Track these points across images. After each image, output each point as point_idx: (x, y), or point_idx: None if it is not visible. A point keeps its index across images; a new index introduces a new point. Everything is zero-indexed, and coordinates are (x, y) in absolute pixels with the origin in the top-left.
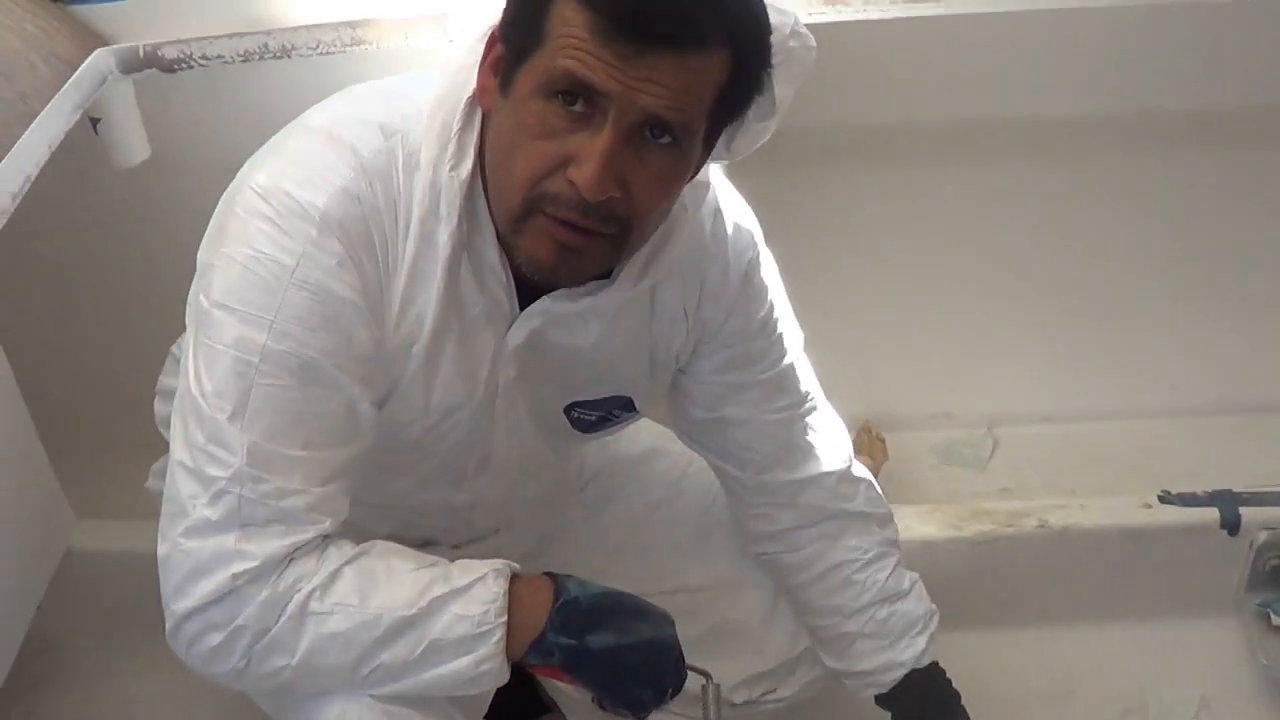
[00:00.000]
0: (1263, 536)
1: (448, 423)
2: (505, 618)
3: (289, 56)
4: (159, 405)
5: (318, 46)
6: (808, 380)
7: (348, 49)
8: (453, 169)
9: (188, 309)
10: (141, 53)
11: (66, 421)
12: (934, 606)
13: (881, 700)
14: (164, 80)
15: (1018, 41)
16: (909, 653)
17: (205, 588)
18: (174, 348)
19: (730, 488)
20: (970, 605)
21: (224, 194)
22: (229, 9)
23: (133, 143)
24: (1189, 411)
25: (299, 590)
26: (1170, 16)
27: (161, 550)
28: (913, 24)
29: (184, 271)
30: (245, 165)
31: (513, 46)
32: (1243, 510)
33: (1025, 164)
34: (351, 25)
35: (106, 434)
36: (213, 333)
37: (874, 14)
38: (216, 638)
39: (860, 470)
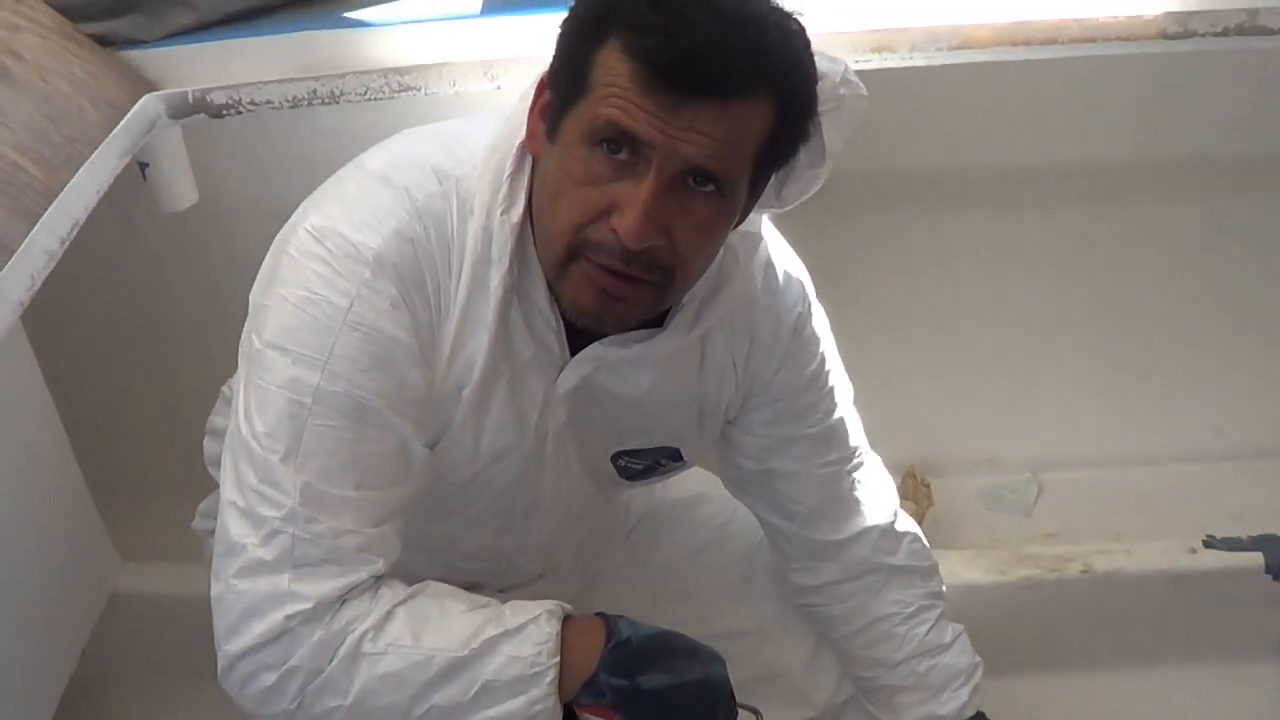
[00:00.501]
0: None
1: (496, 467)
2: (558, 658)
3: (337, 102)
4: (209, 444)
5: (366, 92)
6: (856, 434)
7: (396, 95)
8: (504, 213)
9: (240, 349)
10: (190, 98)
11: (113, 464)
12: (978, 659)
13: None
14: (212, 125)
15: (1062, 88)
16: (950, 706)
17: (259, 628)
18: (225, 388)
19: (774, 539)
20: (1015, 650)
21: (278, 235)
22: (278, 55)
23: (181, 188)
24: (1233, 455)
25: (352, 631)
26: (1212, 63)
27: (215, 590)
28: (959, 70)
29: (231, 315)
30: (300, 207)
31: (560, 93)
32: None
33: (1069, 209)
34: (399, 72)
35: (153, 476)
36: (265, 373)
37: (920, 61)
38: (270, 678)
39: (905, 523)
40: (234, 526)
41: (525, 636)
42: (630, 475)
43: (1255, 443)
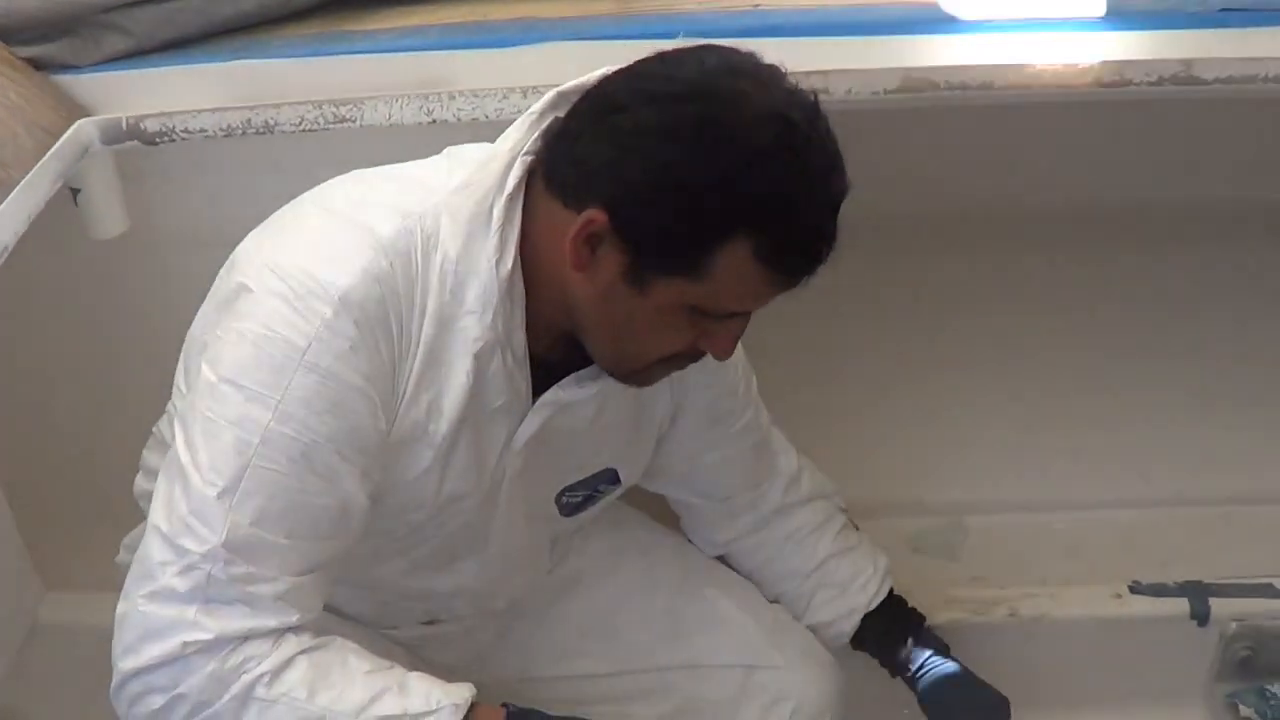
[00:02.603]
0: (1232, 628)
1: (450, 510)
2: None
3: (271, 132)
4: (141, 480)
5: (300, 123)
6: (761, 411)
7: (330, 126)
8: (496, 264)
9: (179, 377)
10: (124, 124)
11: (37, 490)
12: (884, 556)
13: (854, 645)
14: (145, 153)
15: (998, 134)
16: (863, 596)
17: (154, 650)
18: (155, 428)
19: (690, 513)
20: None
21: (227, 267)
22: (213, 83)
23: (111, 215)
24: (1160, 502)
25: (247, 671)
26: (1156, 111)
27: (121, 608)
28: (894, 115)
29: (159, 343)
30: (251, 240)
31: (646, 252)
32: (1213, 601)
33: (998, 254)
34: (335, 102)
35: (78, 504)
36: (215, 406)
37: (856, 104)
38: (157, 701)
39: (802, 461)
40: (155, 551)
41: None
42: (569, 510)
43: (1183, 489)
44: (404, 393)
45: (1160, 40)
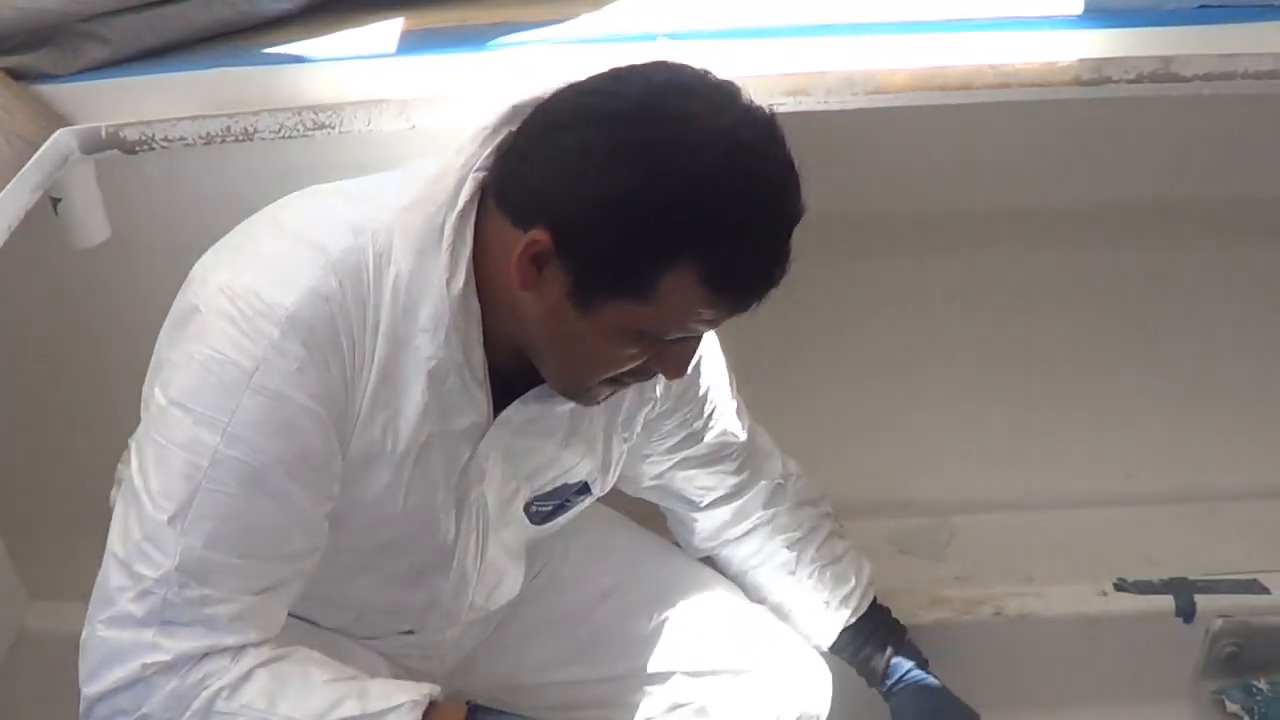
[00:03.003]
0: (1218, 624)
1: (416, 528)
2: None
3: (251, 139)
4: (115, 495)
5: (280, 130)
6: (743, 419)
7: (310, 133)
8: (448, 282)
9: (143, 400)
10: (103, 133)
11: (22, 501)
12: (869, 567)
13: (833, 650)
14: (125, 161)
15: (977, 133)
16: (843, 611)
17: (116, 674)
18: (131, 441)
19: (673, 516)
20: None
21: (184, 286)
22: (192, 91)
23: (92, 223)
24: (1145, 500)
25: (207, 687)
26: (1128, 109)
27: (83, 634)
28: (874, 115)
29: (141, 352)
30: (207, 259)
31: (590, 274)
32: (1198, 598)
33: (982, 253)
34: (314, 109)
35: (63, 513)
36: (165, 430)
37: (835, 105)
38: None
39: (789, 465)
40: (113, 577)
41: None
42: (540, 519)
43: (1167, 486)
44: (359, 412)
45: (1139, 37)
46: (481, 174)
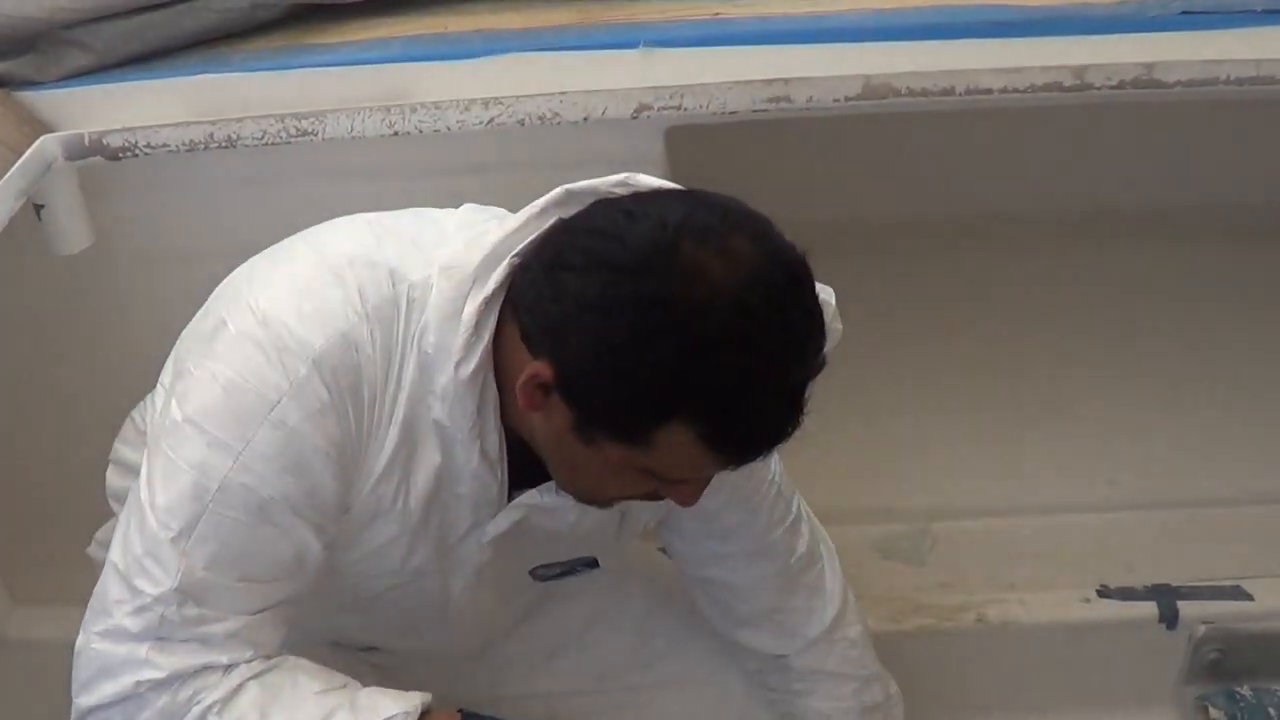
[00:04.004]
0: (1201, 630)
1: (413, 586)
2: None
3: (234, 146)
4: (112, 475)
5: (263, 137)
6: (797, 543)
7: (292, 139)
8: (458, 365)
9: (156, 402)
10: (86, 140)
11: (3, 506)
12: None
13: None
14: (108, 168)
15: (955, 140)
16: None
17: (109, 689)
18: (134, 413)
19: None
20: (909, 700)
21: (217, 293)
22: (175, 98)
23: (76, 230)
24: (1128, 506)
25: (199, 703)
26: (1109, 116)
27: (79, 642)
28: (853, 121)
29: (124, 358)
30: (244, 270)
31: (589, 416)
32: (1181, 604)
33: (963, 259)
34: (297, 116)
35: (45, 519)
36: (178, 447)
37: (818, 110)
38: None
39: (845, 629)
40: (111, 588)
41: None
42: (544, 578)
43: (1149, 493)
44: (374, 468)
45: (1121, 43)
46: (519, 260)
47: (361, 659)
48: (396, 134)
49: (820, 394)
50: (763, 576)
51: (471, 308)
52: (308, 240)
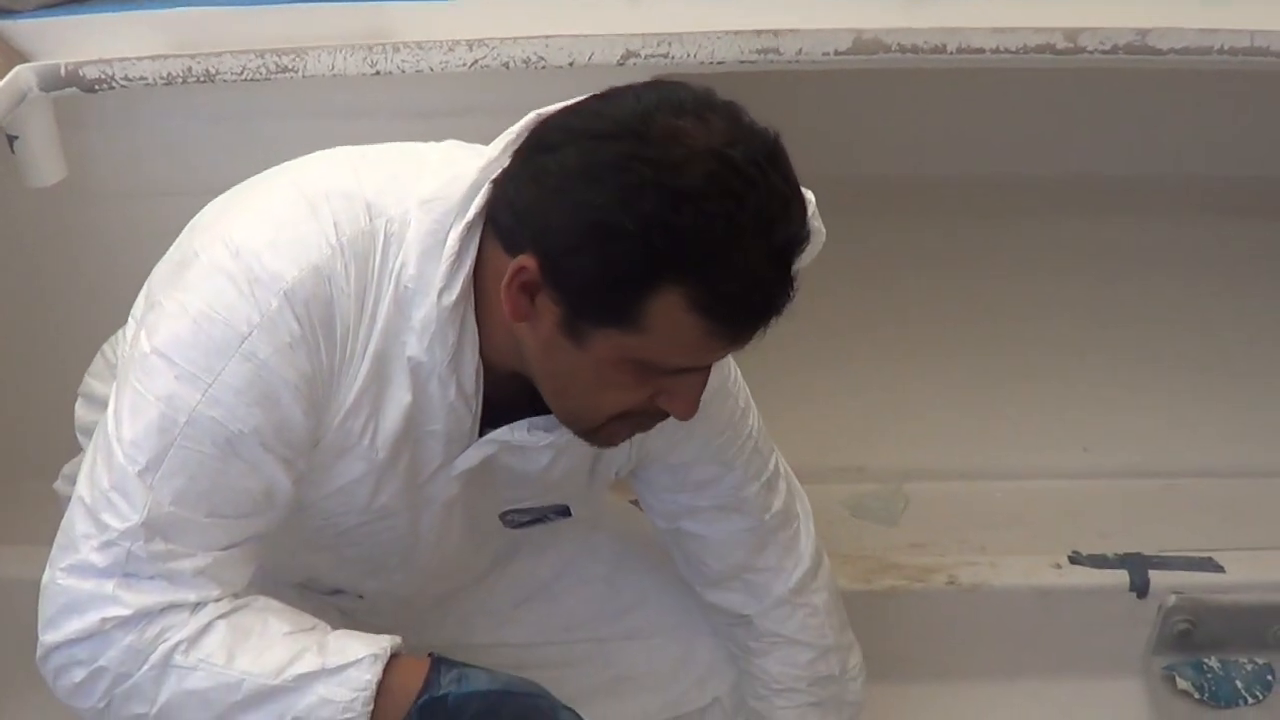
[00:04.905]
0: (1171, 600)
1: (381, 524)
2: (372, 707)
3: (212, 81)
4: (81, 408)
5: (242, 72)
6: (773, 500)
7: (272, 76)
8: (440, 294)
9: (126, 335)
10: (63, 71)
11: None
12: None
13: None
14: (84, 100)
15: (940, 100)
16: None
17: (74, 625)
18: (105, 346)
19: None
20: (877, 660)
21: (190, 226)
22: (154, 30)
23: (49, 162)
24: (1102, 474)
25: (165, 640)
26: (1098, 83)
27: (44, 578)
28: (839, 77)
29: (97, 292)
30: (217, 203)
31: (580, 304)
32: (1152, 574)
33: (942, 222)
34: (277, 52)
35: (15, 454)
36: (145, 379)
37: (807, 64)
38: (80, 674)
39: (811, 596)
40: (78, 523)
41: (343, 679)
42: (515, 525)
43: (1123, 461)
44: (344, 402)
45: (1116, 6)
46: (495, 184)
47: (329, 604)
48: (378, 73)
49: (797, 352)
50: (734, 532)
51: (454, 235)
52: (284, 173)
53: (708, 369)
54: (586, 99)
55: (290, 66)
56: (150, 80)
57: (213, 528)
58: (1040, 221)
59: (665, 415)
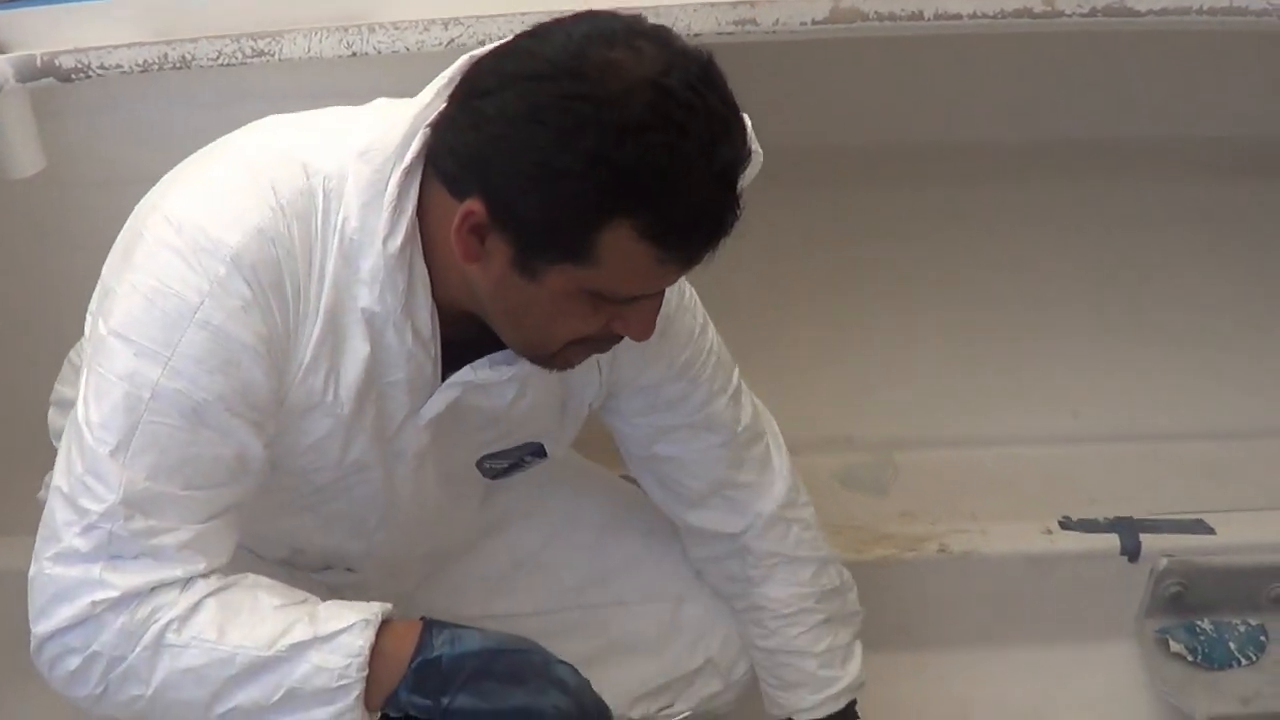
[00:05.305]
0: (1163, 563)
1: (356, 478)
2: (367, 672)
3: (189, 67)
4: (54, 416)
5: (218, 57)
6: (741, 414)
7: (248, 60)
8: (384, 241)
9: (87, 323)
10: (39, 61)
11: None
12: (842, 675)
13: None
14: (60, 90)
15: (924, 66)
16: (794, 702)
17: (65, 612)
18: (72, 354)
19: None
20: (870, 629)
21: (136, 209)
22: (129, 18)
23: (27, 153)
24: (1091, 438)
25: (157, 620)
26: (1082, 46)
27: (31, 571)
28: (820, 47)
29: (75, 285)
30: (157, 187)
31: (531, 243)
32: (1143, 537)
33: (929, 188)
34: (253, 36)
35: (4, 445)
36: (106, 361)
37: (785, 35)
38: (74, 662)
39: (800, 511)
40: (58, 512)
41: (336, 646)
42: (494, 474)
43: (1113, 426)
44: (302, 359)
45: None
46: (430, 129)
47: (318, 582)
48: (355, 55)
49: (782, 322)
50: (709, 448)
51: (394, 181)
52: (218, 145)
53: (662, 294)
54: (517, 37)
55: (266, 50)
56: (126, 68)
57: (190, 501)
58: (1026, 187)
59: (620, 338)
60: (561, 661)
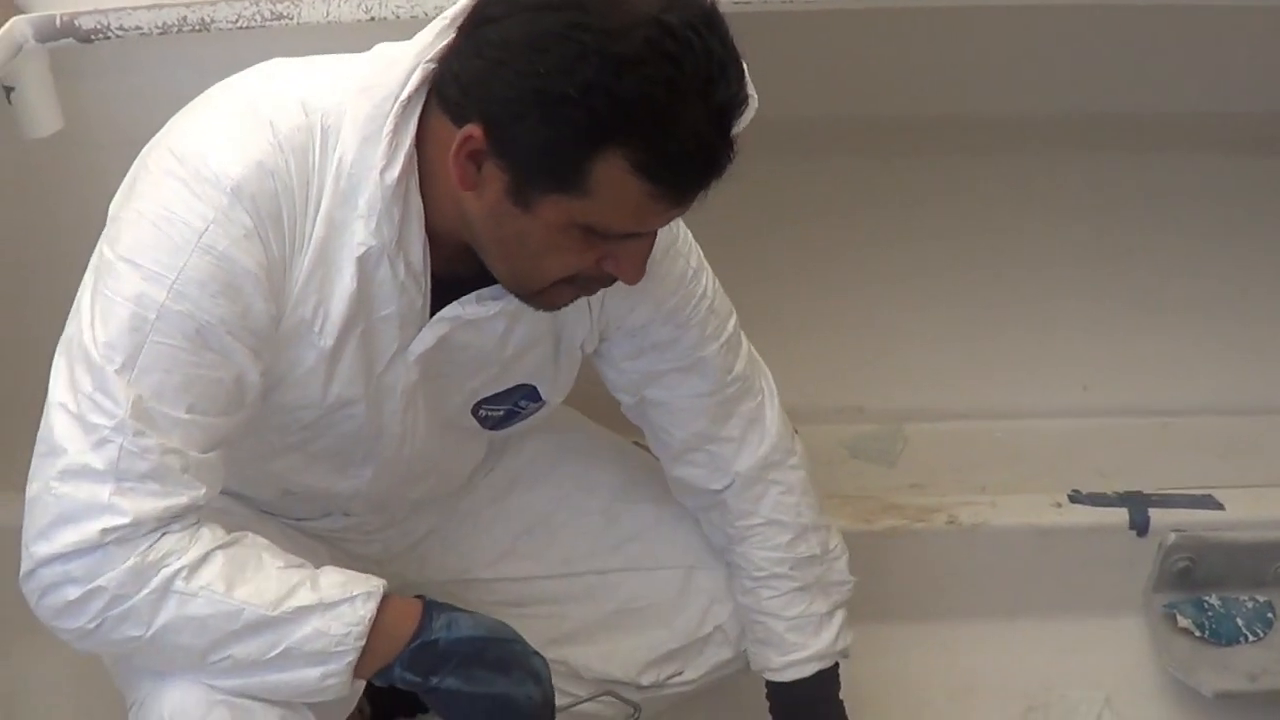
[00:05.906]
0: (1171, 538)
1: (341, 414)
2: (364, 642)
3: (208, 30)
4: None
5: (237, 20)
6: (734, 364)
7: (267, 23)
8: (382, 172)
9: (92, 259)
10: (58, 22)
11: None
12: (814, 642)
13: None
14: (80, 51)
15: (936, 38)
16: (762, 661)
17: (71, 536)
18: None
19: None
20: (878, 600)
21: (142, 151)
22: None
23: (46, 113)
24: (1101, 412)
25: (168, 565)
26: (1095, 19)
27: (31, 490)
28: (832, 17)
29: (91, 243)
30: (166, 125)
31: (526, 170)
32: (1152, 512)
33: (941, 161)
34: (272, 0)
35: (11, 403)
36: (113, 284)
37: (797, 5)
38: (73, 592)
39: (783, 474)
40: (61, 429)
41: (338, 614)
42: (492, 424)
43: (1123, 400)
44: (293, 290)
45: None
46: (433, 65)
47: (318, 533)
48: (373, 19)
49: (794, 292)
50: (696, 395)
51: (393, 113)
52: (220, 85)
53: (653, 235)
54: None
55: (285, 14)
56: (146, 30)
57: (192, 425)
58: (1040, 160)
59: (610, 280)
60: (536, 654)
